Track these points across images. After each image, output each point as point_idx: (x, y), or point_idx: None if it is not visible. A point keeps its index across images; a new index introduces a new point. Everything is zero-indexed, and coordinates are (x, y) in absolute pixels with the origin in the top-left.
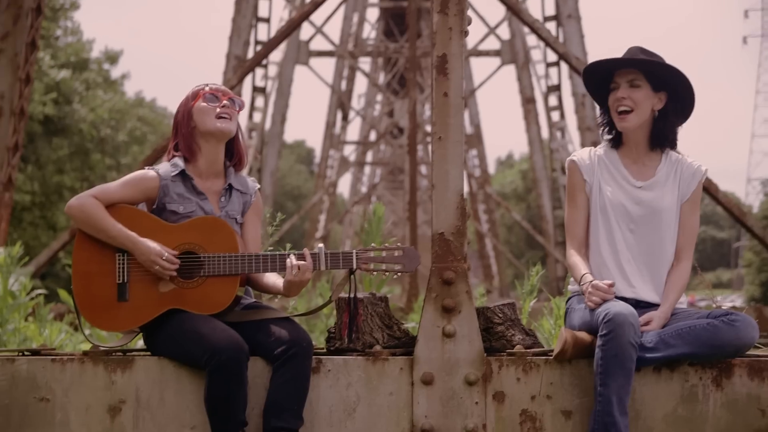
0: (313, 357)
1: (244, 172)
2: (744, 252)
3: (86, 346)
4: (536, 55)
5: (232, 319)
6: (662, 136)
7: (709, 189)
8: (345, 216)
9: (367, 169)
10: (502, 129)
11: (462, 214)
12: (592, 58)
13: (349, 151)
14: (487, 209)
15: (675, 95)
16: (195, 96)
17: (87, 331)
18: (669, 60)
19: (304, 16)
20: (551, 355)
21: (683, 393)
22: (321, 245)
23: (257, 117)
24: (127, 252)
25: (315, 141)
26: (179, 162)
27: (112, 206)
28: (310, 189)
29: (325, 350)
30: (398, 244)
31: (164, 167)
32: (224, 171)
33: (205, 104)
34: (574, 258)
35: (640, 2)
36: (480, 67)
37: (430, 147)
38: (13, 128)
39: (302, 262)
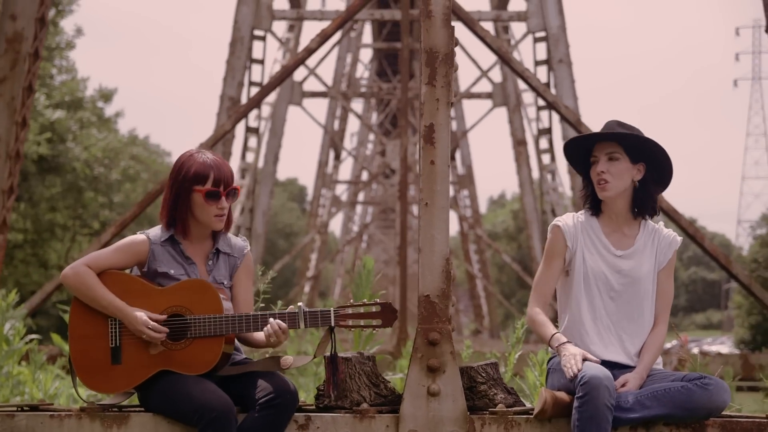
0: (303, 414)
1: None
2: (734, 294)
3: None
4: (528, 98)
5: (223, 372)
6: (644, 204)
7: (695, 236)
8: (336, 255)
9: (359, 209)
10: (494, 168)
11: (447, 278)
12: (583, 103)
13: (341, 191)
14: (478, 249)
15: (653, 165)
16: (196, 178)
17: (85, 393)
18: (662, 101)
19: (299, 62)
20: (532, 414)
21: None
22: (300, 304)
23: (250, 157)
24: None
25: (307, 179)
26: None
27: (103, 272)
28: (302, 227)
29: (314, 407)
30: (376, 300)
31: (154, 231)
32: (212, 234)
33: (204, 203)
34: (541, 317)
35: (631, 43)
36: (472, 109)
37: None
38: (8, 171)
39: (282, 325)
